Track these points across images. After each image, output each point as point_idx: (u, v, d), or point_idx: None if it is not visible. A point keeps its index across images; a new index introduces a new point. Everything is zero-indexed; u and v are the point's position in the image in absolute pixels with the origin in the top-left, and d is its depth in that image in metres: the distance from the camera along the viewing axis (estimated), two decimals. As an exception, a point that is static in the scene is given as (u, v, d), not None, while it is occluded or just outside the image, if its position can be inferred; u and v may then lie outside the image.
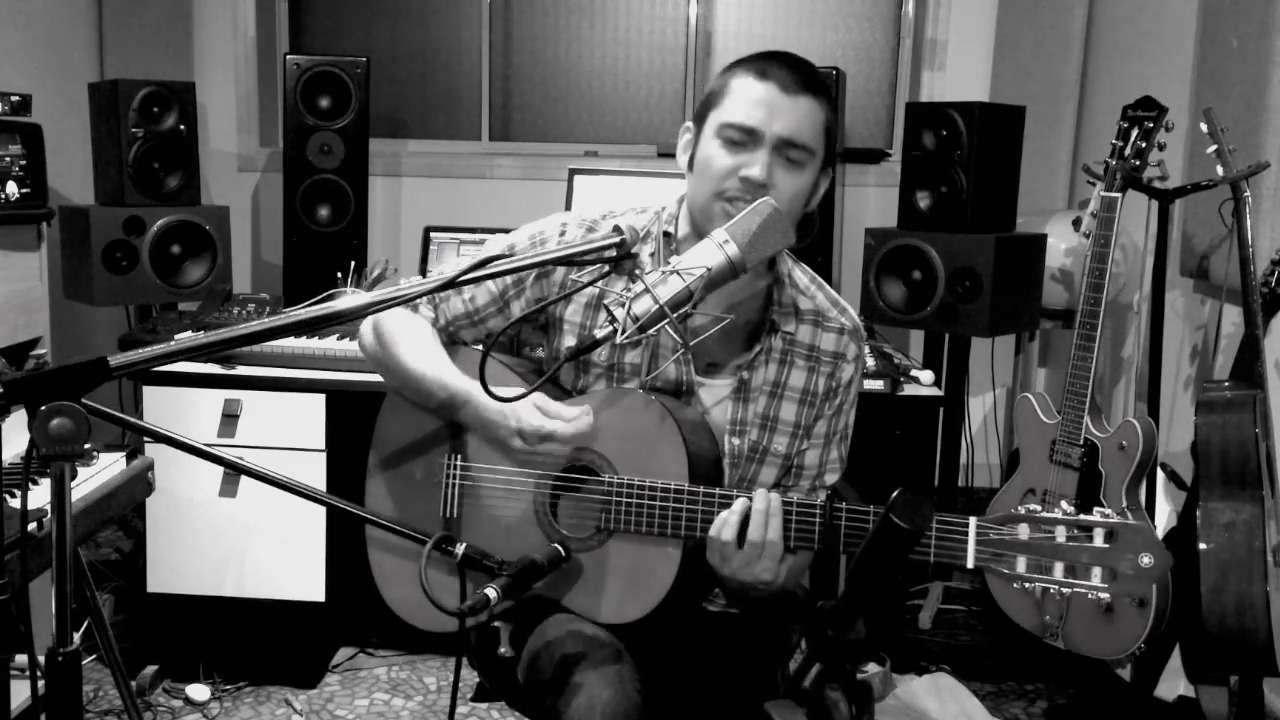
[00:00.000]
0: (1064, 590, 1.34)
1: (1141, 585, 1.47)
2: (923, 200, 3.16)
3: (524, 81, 4.64)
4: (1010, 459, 3.63)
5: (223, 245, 3.39)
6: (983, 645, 3.23)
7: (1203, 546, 2.39)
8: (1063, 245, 3.49)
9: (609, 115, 4.64)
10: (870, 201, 4.36)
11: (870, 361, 2.83)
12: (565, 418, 1.59)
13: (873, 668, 2.76)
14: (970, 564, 1.40)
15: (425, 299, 1.76)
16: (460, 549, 1.53)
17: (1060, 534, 1.34)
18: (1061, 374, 2.87)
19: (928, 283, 3.08)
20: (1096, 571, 1.33)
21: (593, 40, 4.61)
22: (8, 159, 2.79)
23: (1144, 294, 3.34)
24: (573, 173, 3.16)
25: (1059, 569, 1.35)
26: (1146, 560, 1.31)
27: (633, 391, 1.68)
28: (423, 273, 3.21)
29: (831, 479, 1.80)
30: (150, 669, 2.84)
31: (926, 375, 2.88)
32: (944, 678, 2.86)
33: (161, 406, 2.77)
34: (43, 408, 1.12)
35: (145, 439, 2.13)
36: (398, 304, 1.40)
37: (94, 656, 2.83)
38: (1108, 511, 1.35)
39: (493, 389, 1.44)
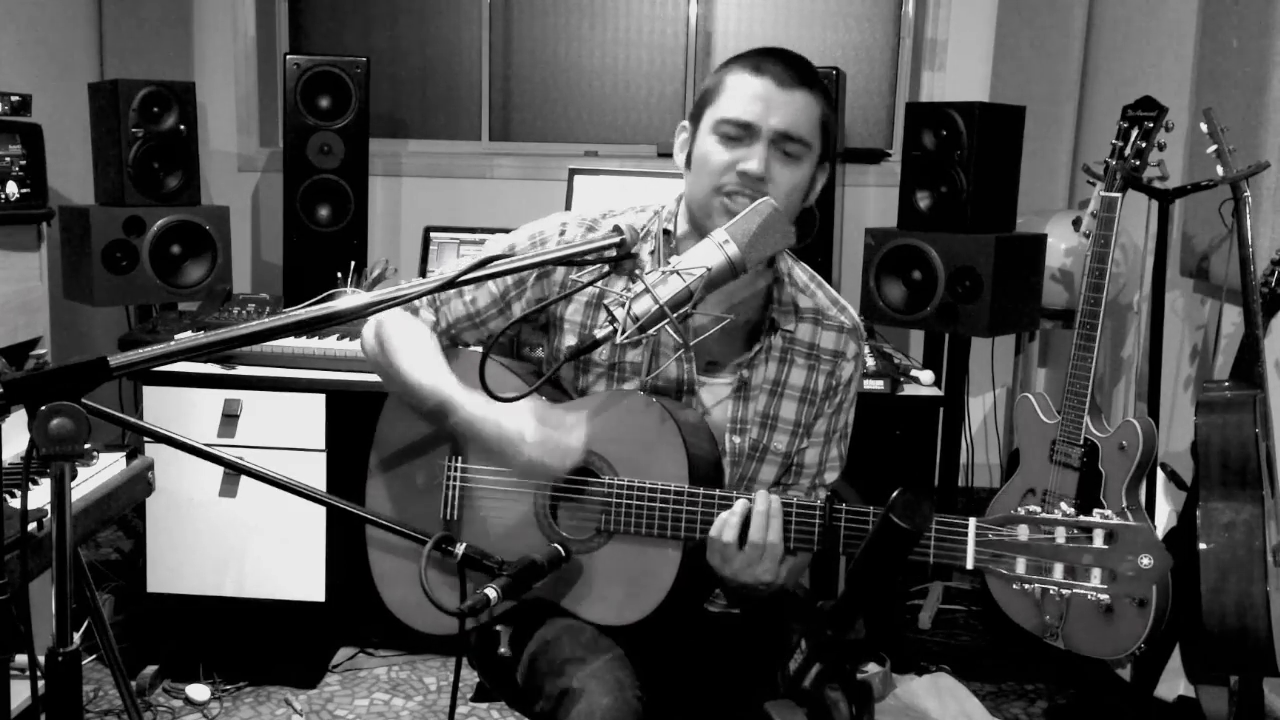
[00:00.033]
0: (1064, 591, 1.34)
1: (1141, 586, 1.47)
2: (923, 200, 3.16)
3: (524, 81, 4.64)
4: (1010, 459, 3.63)
5: (223, 245, 3.39)
6: (983, 645, 3.23)
7: (1203, 546, 2.39)
8: (1063, 245, 3.49)
9: (609, 115, 4.64)
10: (870, 201, 4.36)
11: (870, 361, 2.83)
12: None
13: (873, 668, 2.76)
14: (970, 565, 1.40)
15: (426, 302, 1.76)
16: (460, 549, 1.53)
17: (1060, 535, 1.34)
18: (1061, 374, 2.87)
19: (928, 283, 3.08)
20: (1096, 573, 1.33)
21: (593, 40, 4.61)
22: (8, 159, 2.79)
23: (1144, 294, 3.34)
24: (573, 173, 3.16)
25: (1058, 570, 1.35)
26: (1146, 561, 1.31)
27: (633, 393, 1.68)
28: (423, 273, 3.21)
29: (831, 477, 1.80)
30: (150, 669, 2.84)
31: (926, 375, 2.88)
32: (944, 678, 2.86)
33: (161, 406, 2.77)
34: (43, 408, 1.12)
35: (145, 439, 2.13)
36: (398, 304, 1.40)
37: (94, 656, 2.83)
38: (1107, 512, 1.35)
39: (493, 390, 1.44)
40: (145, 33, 4.19)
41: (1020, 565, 1.36)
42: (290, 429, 2.77)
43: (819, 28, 4.57)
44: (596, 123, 4.64)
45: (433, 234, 3.21)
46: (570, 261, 1.60)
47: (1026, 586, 1.36)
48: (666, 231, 1.73)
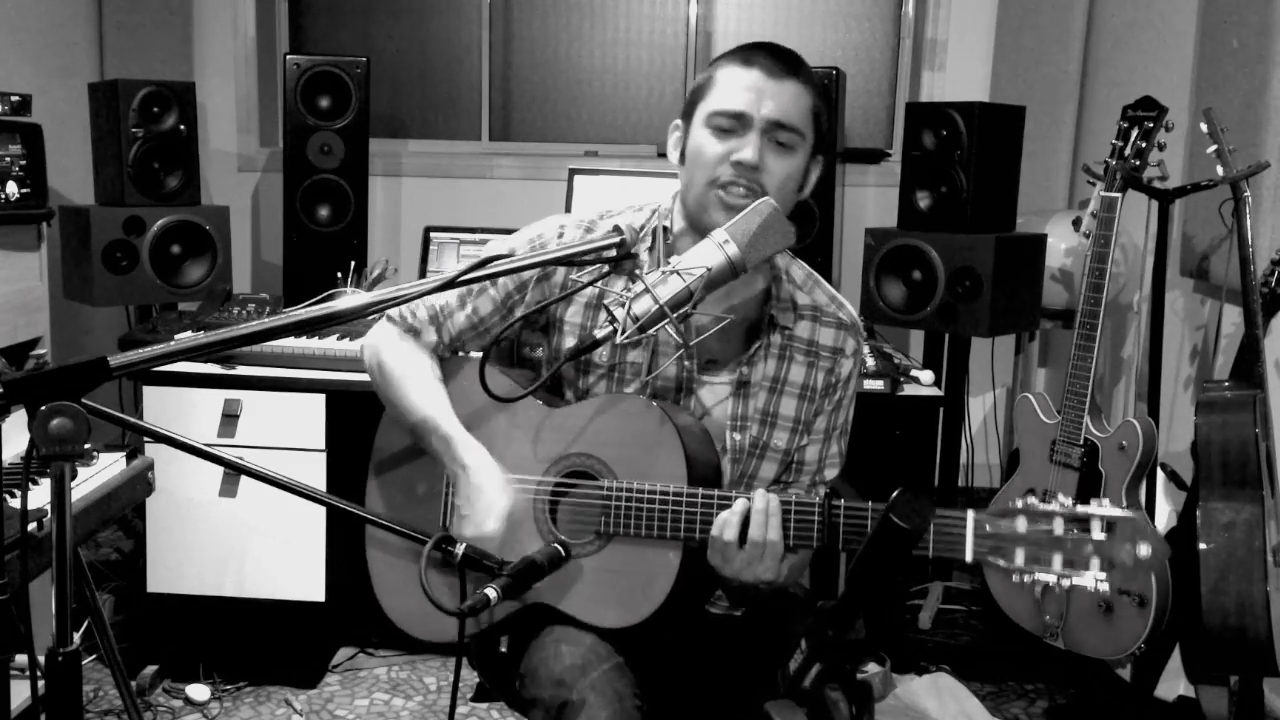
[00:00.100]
0: (1063, 583, 1.34)
1: (1140, 575, 1.47)
2: (923, 200, 3.16)
3: (524, 81, 4.64)
4: (1010, 459, 3.63)
5: (223, 245, 3.39)
6: (983, 645, 3.23)
7: (1203, 546, 2.39)
8: (1063, 245, 3.49)
9: (609, 115, 4.64)
10: (870, 201, 4.36)
11: (870, 361, 2.83)
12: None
13: (873, 668, 2.76)
14: (969, 557, 1.40)
15: (428, 320, 1.76)
16: (460, 549, 1.53)
17: (1058, 526, 1.34)
18: (1061, 374, 2.87)
19: (928, 283, 3.08)
20: (1095, 562, 1.33)
21: (593, 40, 4.61)
22: (8, 159, 2.79)
23: (1144, 294, 3.34)
24: (573, 173, 3.16)
25: (1058, 560, 1.34)
26: (1145, 550, 1.31)
27: (631, 396, 1.68)
28: (423, 273, 3.21)
29: (831, 474, 1.80)
30: (150, 669, 2.84)
31: (926, 375, 2.88)
32: (944, 678, 2.86)
33: (161, 406, 2.77)
34: (43, 408, 1.12)
35: (145, 439, 2.13)
36: (398, 304, 1.40)
37: (94, 656, 2.83)
38: (1105, 503, 1.34)
39: (493, 391, 1.44)
40: (145, 33, 4.19)
41: (1019, 557, 1.36)
42: (290, 429, 2.76)
43: (819, 28, 4.57)
44: (596, 123, 4.64)
45: (433, 234, 3.22)
46: (571, 261, 1.60)
47: (1026, 578, 1.36)
48: (664, 229, 1.74)
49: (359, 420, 1.99)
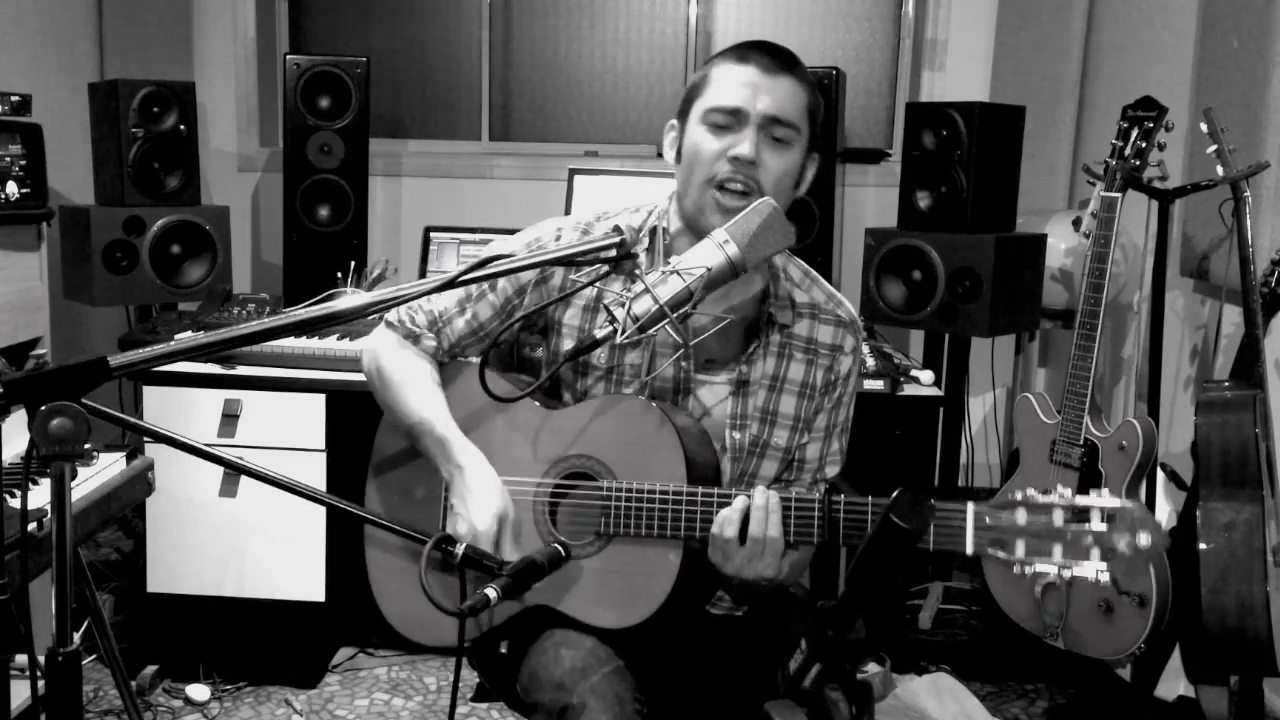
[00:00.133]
0: (1064, 573, 1.34)
1: (1140, 564, 1.47)
2: (923, 200, 3.16)
3: (524, 81, 4.64)
4: (1010, 459, 3.63)
5: (223, 245, 3.39)
6: (983, 645, 3.23)
7: (1203, 546, 2.39)
8: (1063, 245, 3.49)
9: (609, 115, 4.64)
10: (870, 201, 4.36)
11: (870, 361, 2.83)
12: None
13: (873, 668, 2.76)
14: (969, 549, 1.40)
15: (427, 325, 1.77)
16: (460, 548, 1.53)
17: (1058, 517, 1.34)
18: (1061, 374, 2.87)
19: (928, 283, 3.08)
20: (1095, 552, 1.33)
21: (593, 40, 4.60)
22: (8, 159, 2.79)
23: (1144, 294, 3.34)
24: (573, 173, 3.16)
25: (1058, 551, 1.34)
26: (1144, 539, 1.31)
27: (630, 397, 1.68)
28: (423, 273, 3.21)
29: (832, 471, 1.81)
30: (150, 669, 2.84)
31: (926, 375, 2.88)
32: (944, 678, 2.86)
33: (161, 406, 2.77)
34: (43, 408, 1.12)
35: (145, 439, 2.13)
36: (398, 304, 1.40)
37: (94, 656, 2.83)
38: (1104, 493, 1.34)
39: (493, 391, 1.44)
40: (145, 33, 4.19)
41: (1019, 548, 1.36)
42: (290, 429, 2.77)
43: (819, 28, 4.57)
44: (596, 123, 4.64)
45: (433, 234, 3.22)
46: (571, 262, 1.60)
47: (1026, 570, 1.36)
48: (661, 230, 1.74)
49: (359, 420, 1.99)
